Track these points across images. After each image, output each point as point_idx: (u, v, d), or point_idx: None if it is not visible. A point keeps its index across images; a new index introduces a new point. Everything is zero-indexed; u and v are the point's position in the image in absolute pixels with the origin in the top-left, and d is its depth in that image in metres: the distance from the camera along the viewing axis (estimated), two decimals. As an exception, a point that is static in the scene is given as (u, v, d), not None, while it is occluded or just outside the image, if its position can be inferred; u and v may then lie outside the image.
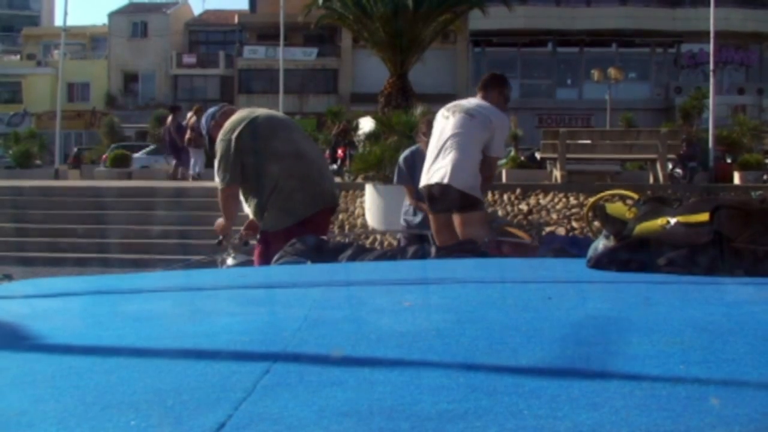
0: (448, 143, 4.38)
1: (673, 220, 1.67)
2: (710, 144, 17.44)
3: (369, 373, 0.94)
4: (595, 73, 31.55)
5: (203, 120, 4.29)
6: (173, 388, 0.88)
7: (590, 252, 1.84)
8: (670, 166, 15.69)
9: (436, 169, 4.39)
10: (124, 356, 1.08)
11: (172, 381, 0.92)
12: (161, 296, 1.73)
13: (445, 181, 4.31)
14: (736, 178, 16.25)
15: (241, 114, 4.05)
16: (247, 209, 4.15)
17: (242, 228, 4.24)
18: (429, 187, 4.43)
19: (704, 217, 1.61)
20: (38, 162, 23.38)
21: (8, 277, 2.27)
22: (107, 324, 1.37)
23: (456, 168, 4.31)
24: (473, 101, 4.55)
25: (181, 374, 0.96)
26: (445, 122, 4.47)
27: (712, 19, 18.26)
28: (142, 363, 1.04)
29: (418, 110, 14.47)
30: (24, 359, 1.09)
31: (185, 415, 0.79)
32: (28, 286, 2.16)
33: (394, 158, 13.50)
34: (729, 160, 17.52)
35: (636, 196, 1.97)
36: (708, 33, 18.66)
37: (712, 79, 18.96)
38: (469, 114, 4.42)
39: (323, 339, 1.14)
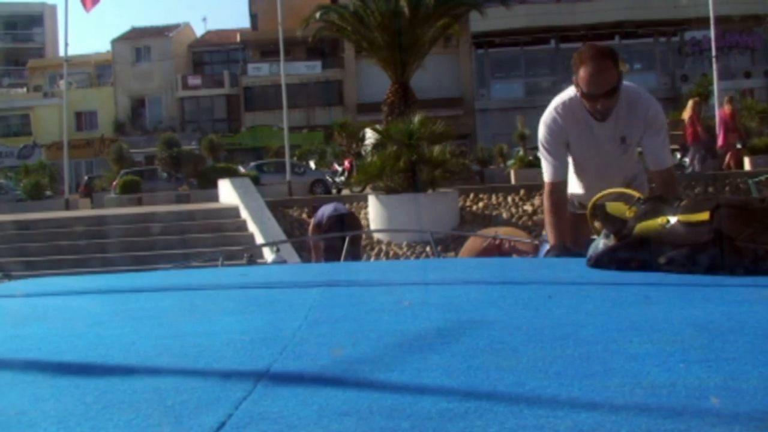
0: None
1: (673, 219, 1.67)
2: (717, 130, 17.17)
3: (369, 373, 0.93)
4: (600, 67, 31.35)
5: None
6: (173, 388, 0.88)
7: (590, 251, 1.84)
8: (678, 155, 15.49)
9: None
10: (124, 356, 1.08)
11: (172, 381, 0.92)
12: (161, 296, 1.73)
13: None
14: (747, 164, 15.97)
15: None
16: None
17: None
18: None
19: (704, 216, 1.61)
20: (48, 192, 23.32)
21: (8, 277, 2.27)
22: (107, 323, 1.37)
23: None
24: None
25: (181, 374, 0.96)
26: None
27: (711, 4, 18.15)
28: (142, 362, 1.04)
29: (416, 118, 14.32)
30: (24, 359, 1.09)
31: (185, 415, 0.79)
32: (28, 285, 2.16)
33: (394, 167, 13.55)
34: (739, 146, 17.16)
35: (637, 195, 1.97)
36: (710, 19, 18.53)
37: (714, 65, 18.77)
38: None
39: (323, 339, 1.14)
